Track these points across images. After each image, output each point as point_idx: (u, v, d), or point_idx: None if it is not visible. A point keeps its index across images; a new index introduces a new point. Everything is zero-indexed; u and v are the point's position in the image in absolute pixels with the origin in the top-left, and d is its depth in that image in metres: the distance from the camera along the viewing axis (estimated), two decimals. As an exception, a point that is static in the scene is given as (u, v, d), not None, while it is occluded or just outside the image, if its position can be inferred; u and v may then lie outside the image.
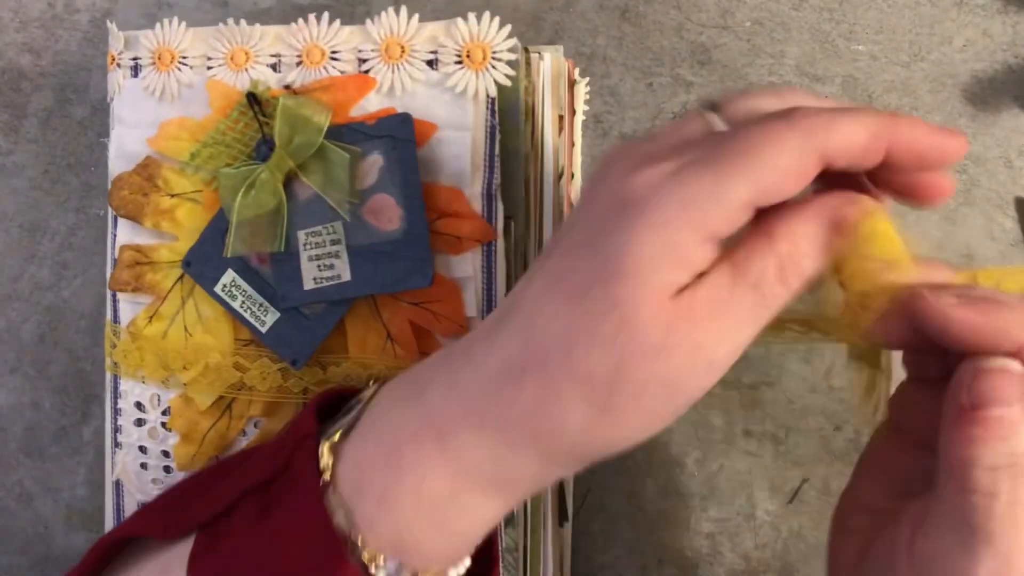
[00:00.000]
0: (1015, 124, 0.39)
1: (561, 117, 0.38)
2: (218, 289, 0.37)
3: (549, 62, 0.37)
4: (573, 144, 0.39)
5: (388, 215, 0.35)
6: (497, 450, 0.26)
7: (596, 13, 0.41)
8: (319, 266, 0.36)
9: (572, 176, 0.39)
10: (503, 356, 0.25)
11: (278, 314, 0.36)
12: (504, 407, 0.25)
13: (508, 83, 0.35)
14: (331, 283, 0.35)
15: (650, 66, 0.41)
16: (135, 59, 0.38)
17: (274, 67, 0.37)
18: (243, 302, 0.37)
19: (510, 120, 0.36)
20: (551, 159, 0.37)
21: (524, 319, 0.25)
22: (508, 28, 0.35)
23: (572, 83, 0.39)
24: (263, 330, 0.36)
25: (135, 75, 0.38)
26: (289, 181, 0.36)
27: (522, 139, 0.36)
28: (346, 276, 0.35)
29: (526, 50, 0.37)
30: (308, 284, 0.36)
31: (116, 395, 0.39)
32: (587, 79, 0.40)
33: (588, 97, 0.40)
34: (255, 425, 0.38)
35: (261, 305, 0.37)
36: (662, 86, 0.41)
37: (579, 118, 0.40)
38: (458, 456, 0.26)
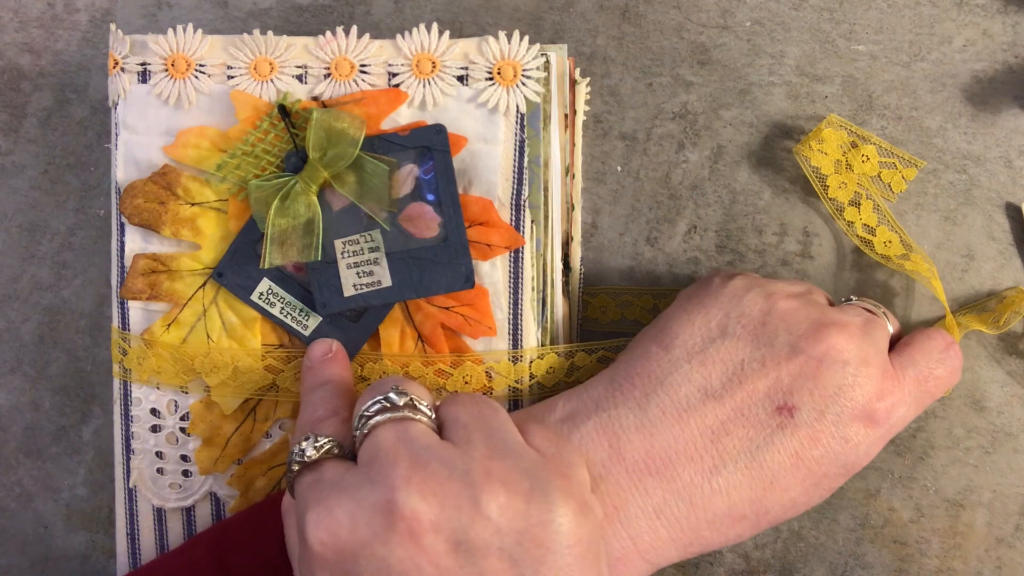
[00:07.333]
0: (1015, 124, 0.39)
1: (565, 116, 0.38)
2: (255, 298, 0.37)
3: (555, 61, 0.37)
4: (574, 144, 0.39)
5: (426, 223, 0.36)
6: (679, 553, 0.31)
7: (596, 13, 0.41)
8: (358, 273, 0.36)
9: (573, 176, 0.39)
10: (730, 503, 0.31)
11: (320, 318, 0.37)
12: (716, 539, 0.31)
13: (537, 99, 0.37)
14: (372, 289, 0.36)
15: (650, 66, 0.41)
16: (144, 64, 0.37)
17: (300, 78, 0.37)
18: (282, 308, 0.37)
19: (530, 127, 0.37)
20: (558, 156, 0.38)
21: (761, 487, 0.31)
22: (537, 47, 0.37)
23: (573, 83, 0.39)
24: (306, 334, 0.37)
25: (143, 81, 0.37)
26: (321, 191, 0.36)
27: (542, 146, 0.37)
28: (387, 281, 0.36)
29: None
30: (348, 291, 0.37)
31: (127, 402, 0.39)
32: (587, 79, 0.40)
33: (589, 97, 0.41)
34: (280, 427, 0.38)
35: (302, 310, 0.37)
36: (662, 86, 0.41)
37: (580, 118, 0.40)
38: (656, 562, 0.31)
